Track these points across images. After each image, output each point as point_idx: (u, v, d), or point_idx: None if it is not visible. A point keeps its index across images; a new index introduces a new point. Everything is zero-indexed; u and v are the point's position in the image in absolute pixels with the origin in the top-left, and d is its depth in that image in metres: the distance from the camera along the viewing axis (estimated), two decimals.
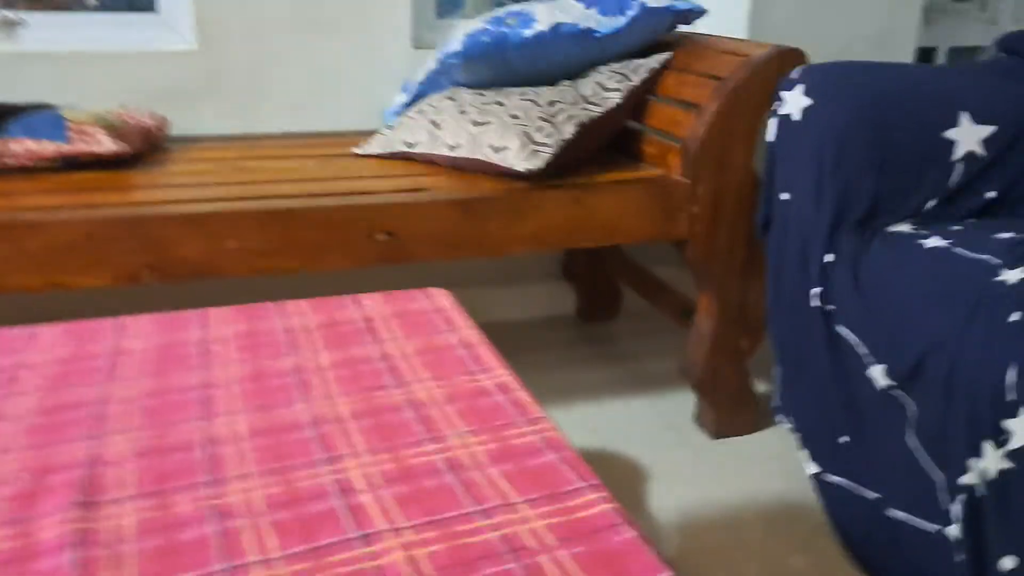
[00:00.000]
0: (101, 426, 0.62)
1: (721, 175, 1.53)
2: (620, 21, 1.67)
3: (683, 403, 1.79)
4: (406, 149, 1.64)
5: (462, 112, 1.59)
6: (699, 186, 1.52)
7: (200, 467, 0.58)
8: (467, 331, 0.83)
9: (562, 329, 2.20)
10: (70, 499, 0.54)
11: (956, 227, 1.36)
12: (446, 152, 1.57)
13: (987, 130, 1.41)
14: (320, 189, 1.42)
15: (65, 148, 1.47)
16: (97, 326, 0.81)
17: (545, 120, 1.51)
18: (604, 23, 1.67)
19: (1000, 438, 1.04)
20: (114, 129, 1.54)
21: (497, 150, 1.48)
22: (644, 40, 1.75)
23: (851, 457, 1.34)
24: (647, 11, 1.68)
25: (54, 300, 1.86)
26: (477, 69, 1.63)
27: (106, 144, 1.48)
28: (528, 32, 1.60)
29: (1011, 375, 1.03)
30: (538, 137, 1.47)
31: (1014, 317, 1.08)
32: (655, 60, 1.70)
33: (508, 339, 2.13)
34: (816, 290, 1.38)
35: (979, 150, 1.41)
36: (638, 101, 1.68)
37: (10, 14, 1.78)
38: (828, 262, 1.37)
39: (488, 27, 1.64)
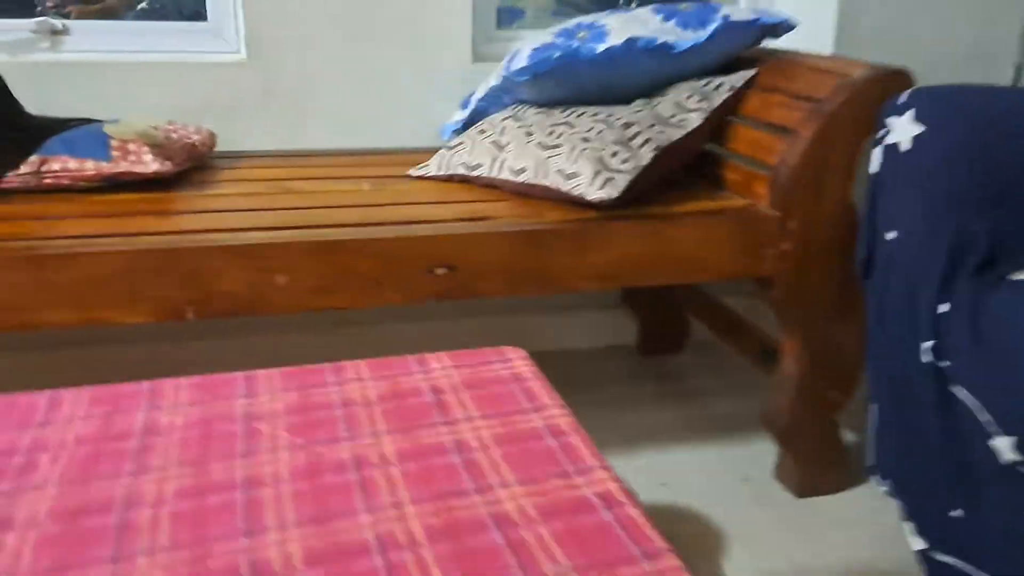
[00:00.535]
0: (127, 543, 0.51)
1: (814, 208, 1.38)
2: (701, 35, 1.53)
3: (760, 453, 1.65)
4: (466, 172, 1.52)
5: (528, 134, 1.46)
6: (790, 220, 1.37)
7: None
8: (554, 411, 0.71)
9: (623, 360, 2.07)
10: None
11: None
12: (510, 177, 1.44)
13: None
14: (376, 216, 1.30)
15: (106, 168, 1.37)
16: (128, 393, 0.70)
17: (620, 144, 1.37)
18: (683, 37, 1.54)
19: None
20: (158, 146, 1.45)
21: (567, 177, 1.35)
22: (726, 55, 1.60)
23: (965, 534, 1.18)
24: (731, 25, 1.54)
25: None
26: (545, 87, 1.51)
27: (150, 164, 1.39)
28: (600, 47, 1.47)
29: None
30: (612, 163, 1.34)
31: None
32: (739, 77, 1.56)
33: (566, 370, 2.00)
34: (927, 344, 1.23)
35: None
36: (719, 122, 1.54)
37: (55, 22, 1.70)
38: (942, 312, 1.22)
39: (557, 41, 1.51)
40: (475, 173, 1.51)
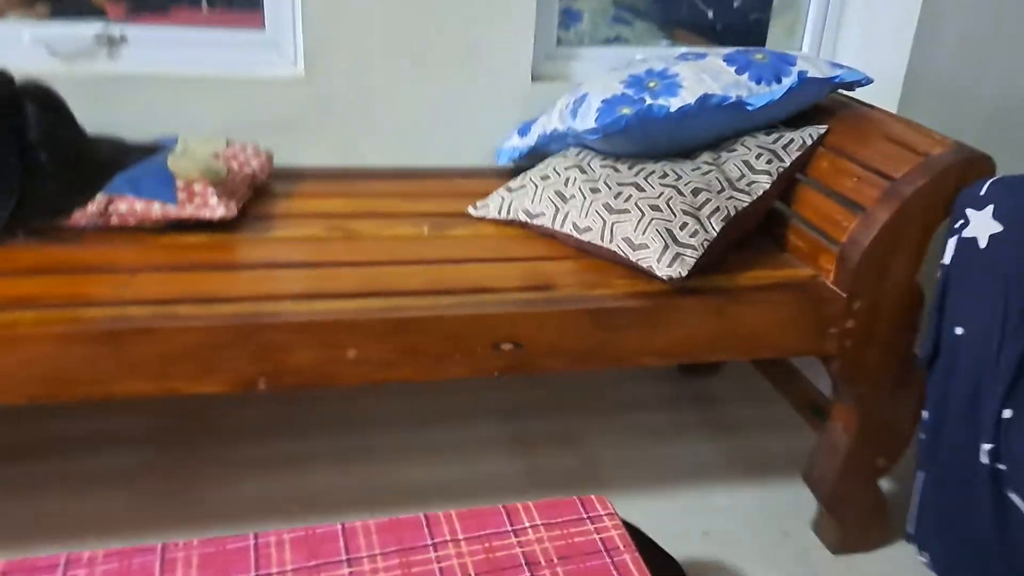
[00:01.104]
0: None
1: (880, 287, 1.37)
2: (775, 92, 1.49)
3: (797, 498, 1.66)
4: (526, 219, 1.51)
5: (594, 191, 1.44)
6: (856, 300, 1.36)
7: None
8: None
9: (662, 380, 2.08)
10: None
11: None
12: (572, 232, 1.43)
13: None
14: (441, 280, 1.30)
15: (173, 212, 1.37)
16: (234, 551, 0.72)
17: (689, 215, 1.36)
18: (756, 92, 1.50)
19: None
20: (221, 183, 1.44)
21: (635, 247, 1.34)
22: (798, 108, 1.57)
23: None
24: (807, 82, 1.50)
25: None
26: (615, 143, 1.48)
27: (215, 209, 1.38)
28: (673, 106, 1.43)
29: None
30: (681, 236, 1.32)
31: None
32: (808, 134, 1.52)
33: (605, 388, 2.02)
34: (987, 446, 1.24)
35: None
36: (787, 181, 1.51)
37: (113, 30, 1.67)
38: (1005, 418, 1.22)
39: (627, 93, 1.47)
40: (535, 221, 1.50)
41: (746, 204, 1.42)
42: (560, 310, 1.26)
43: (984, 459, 1.24)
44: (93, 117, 1.59)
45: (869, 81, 1.55)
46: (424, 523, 0.78)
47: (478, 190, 1.66)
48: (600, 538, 0.78)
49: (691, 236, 1.33)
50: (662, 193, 1.39)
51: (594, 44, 2.11)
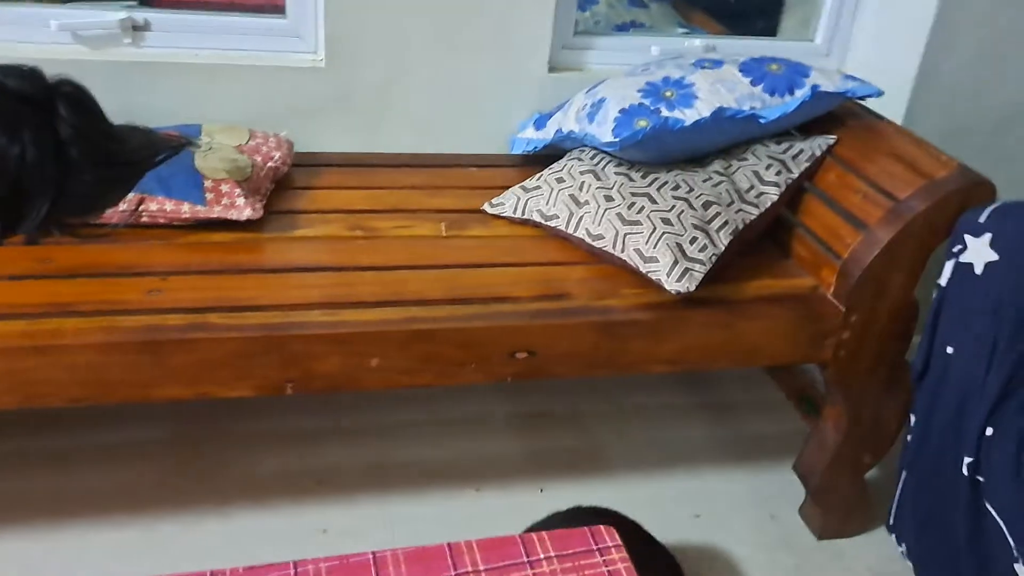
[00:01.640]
0: None
1: (877, 301, 1.43)
2: (788, 104, 1.53)
3: (785, 483, 1.75)
4: (541, 220, 1.56)
5: (608, 199, 1.49)
6: (853, 314, 1.43)
7: None
8: None
9: None
10: None
11: None
12: (586, 238, 1.49)
13: None
14: (459, 286, 1.36)
15: (201, 213, 1.42)
16: None
17: (699, 229, 1.41)
18: (769, 104, 1.54)
19: None
20: (247, 180, 1.49)
21: (646, 260, 1.40)
22: (809, 118, 1.61)
23: None
24: (819, 95, 1.54)
25: None
26: (630, 153, 1.52)
27: (243, 210, 1.43)
28: (689, 119, 1.47)
29: None
30: (691, 251, 1.38)
31: None
32: (818, 145, 1.57)
33: None
34: (968, 459, 1.32)
35: None
36: (797, 189, 1.56)
37: (136, 16, 1.69)
38: (987, 435, 1.30)
39: (644, 103, 1.51)
40: (550, 223, 1.55)
41: (754, 217, 1.47)
42: (572, 322, 1.32)
43: (965, 470, 1.32)
44: (118, 103, 1.59)
45: (880, 94, 1.58)
46: (448, 553, 0.86)
47: (494, 182, 1.71)
48: (608, 570, 0.87)
49: (700, 251, 1.39)
50: (674, 206, 1.44)
51: (610, 28, 2.13)
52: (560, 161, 1.66)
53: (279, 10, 1.76)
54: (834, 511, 1.65)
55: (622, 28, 2.13)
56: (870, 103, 1.66)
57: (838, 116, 1.63)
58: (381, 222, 1.55)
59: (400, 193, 1.66)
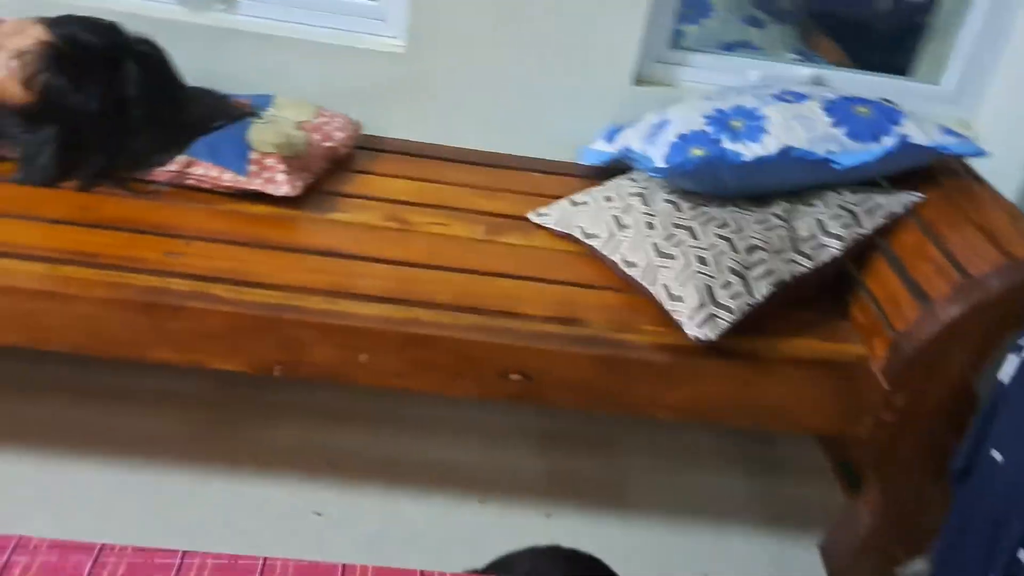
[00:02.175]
0: None
1: (929, 385, 1.28)
2: (870, 152, 1.38)
3: (812, 560, 1.60)
4: (582, 237, 1.49)
5: (650, 226, 1.41)
6: (899, 394, 1.28)
7: None
8: None
9: None
10: None
11: None
12: (620, 263, 1.41)
13: None
14: (471, 294, 1.32)
15: (241, 183, 1.45)
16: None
17: (736, 273, 1.30)
18: (849, 149, 1.40)
19: None
20: (296, 157, 1.50)
21: (672, 298, 1.30)
22: (895, 171, 1.45)
23: None
24: (907, 147, 1.39)
25: None
26: (681, 183, 1.42)
27: (280, 186, 1.45)
28: (748, 155, 1.36)
29: None
30: (721, 296, 1.28)
31: None
32: (900, 202, 1.41)
33: None
34: None
35: None
36: (866, 244, 1.41)
37: None
38: (1020, 559, 1.13)
39: (707, 131, 1.41)
40: (589, 242, 1.48)
41: (806, 270, 1.35)
42: (575, 351, 1.26)
43: None
44: (202, 66, 1.68)
45: (980, 154, 1.41)
46: (339, 573, 0.83)
47: (553, 191, 1.65)
48: None
49: (732, 298, 1.28)
50: (714, 245, 1.34)
51: (718, 44, 2.01)
52: (615, 179, 1.58)
53: None
54: None
55: (730, 47, 2.01)
56: (983, 165, 1.48)
57: (933, 173, 1.47)
58: (419, 216, 1.52)
59: (450, 189, 1.63)
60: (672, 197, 1.45)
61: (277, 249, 1.36)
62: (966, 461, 1.23)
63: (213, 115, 1.54)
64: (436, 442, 1.79)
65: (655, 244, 1.37)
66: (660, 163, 1.39)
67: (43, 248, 1.27)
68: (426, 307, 1.28)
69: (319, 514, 1.58)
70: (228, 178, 1.44)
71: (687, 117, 1.46)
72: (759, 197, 1.45)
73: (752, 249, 1.34)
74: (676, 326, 1.30)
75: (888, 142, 1.38)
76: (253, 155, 1.46)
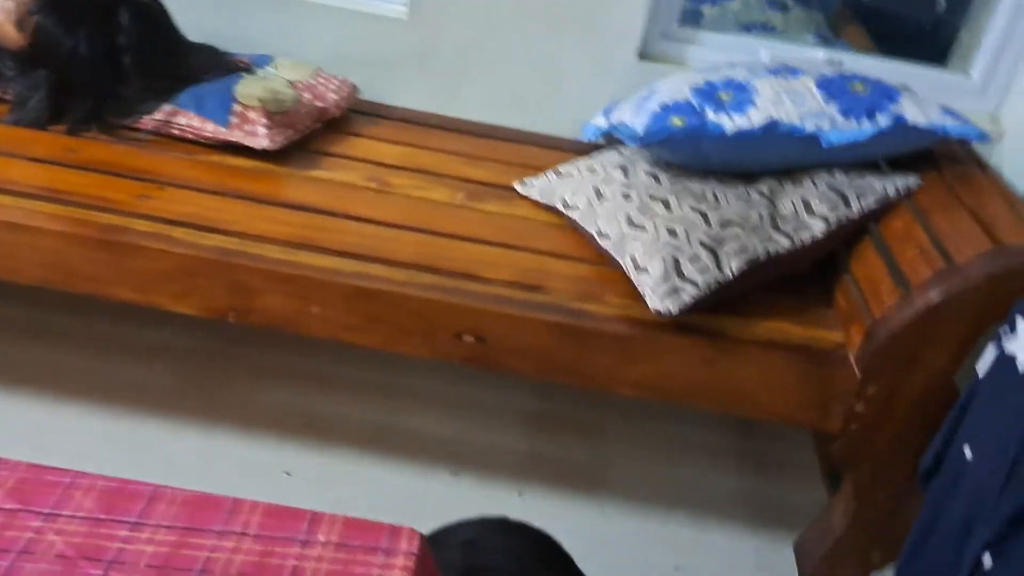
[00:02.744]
0: None
1: (905, 376, 1.20)
2: (861, 132, 1.31)
3: (791, 560, 1.54)
4: (562, 209, 1.46)
5: (626, 196, 1.36)
6: (872, 384, 1.21)
7: None
8: None
9: None
10: None
11: None
12: (595, 234, 1.37)
13: None
14: (434, 255, 1.30)
15: (221, 133, 1.45)
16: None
17: (707, 247, 1.25)
18: (840, 127, 1.33)
19: None
20: (282, 113, 1.50)
21: (638, 269, 1.26)
22: (894, 152, 1.38)
23: None
24: (903, 128, 1.31)
25: None
26: (660, 153, 1.38)
27: (260, 139, 1.45)
28: (730, 127, 1.30)
29: None
30: (688, 270, 1.23)
31: None
32: (894, 186, 1.34)
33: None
34: None
35: None
36: (855, 230, 1.35)
37: None
38: (986, 568, 1.05)
39: (692, 102, 1.35)
40: (569, 213, 1.44)
41: (782, 250, 1.28)
42: (531, 316, 1.22)
43: None
44: (208, 25, 1.70)
45: (982, 138, 1.32)
46: (228, 507, 0.81)
47: (547, 163, 1.62)
48: (377, 573, 0.78)
49: (699, 272, 1.23)
50: (687, 217, 1.29)
51: (737, 26, 1.95)
52: (604, 151, 1.53)
53: None
54: None
55: (748, 28, 1.94)
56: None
57: (936, 157, 1.39)
58: (401, 179, 1.51)
59: (439, 156, 1.62)
60: (654, 170, 1.40)
61: (247, 200, 1.37)
62: (935, 458, 1.16)
63: (206, 68, 1.55)
64: (422, 414, 1.77)
65: (628, 215, 1.32)
66: (639, 132, 1.34)
67: (16, 183, 1.29)
68: (383, 263, 1.26)
69: (288, 474, 1.58)
70: (210, 128, 1.45)
71: (674, 88, 1.41)
72: (748, 174, 1.40)
73: (726, 224, 1.28)
74: (642, 298, 1.26)
75: (882, 121, 1.31)
76: (237, 107, 1.46)
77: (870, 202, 1.32)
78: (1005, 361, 1.08)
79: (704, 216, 1.28)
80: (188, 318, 1.84)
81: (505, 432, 1.78)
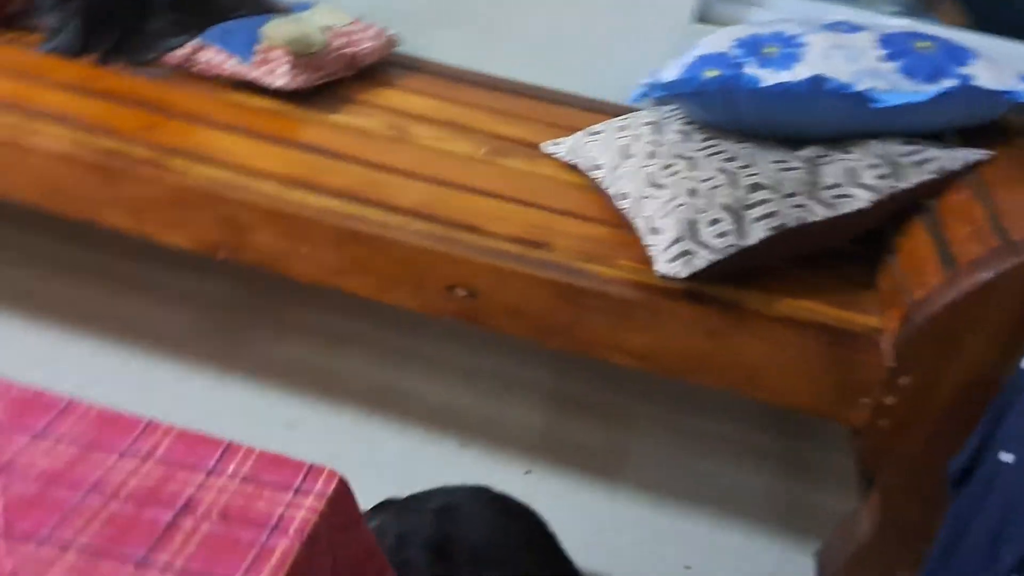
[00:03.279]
0: None
1: (944, 366, 1.06)
2: (920, 94, 1.17)
3: (802, 559, 1.40)
4: (587, 169, 1.36)
5: (651, 155, 1.25)
6: (905, 374, 1.07)
7: None
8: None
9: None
10: None
11: None
12: (614, 196, 1.27)
13: None
14: (438, 204, 1.23)
15: (241, 71, 1.42)
16: None
17: (730, 210, 1.13)
18: (899, 87, 1.18)
19: None
20: (307, 56, 1.46)
21: (651, 230, 1.15)
22: (962, 122, 1.22)
23: None
24: (969, 92, 1.16)
25: None
26: (692, 109, 1.26)
27: (277, 79, 1.41)
28: (767, 80, 1.17)
29: None
30: (704, 233, 1.11)
31: None
32: (958, 158, 1.18)
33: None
34: None
35: None
36: (907, 204, 1.20)
37: None
38: None
39: (731, 54, 1.23)
40: (592, 174, 1.35)
41: (817, 219, 1.15)
42: (527, 271, 1.13)
43: None
44: None
45: None
46: (141, 429, 0.76)
47: (584, 126, 1.52)
48: (282, 513, 0.71)
49: (717, 236, 1.11)
50: (712, 177, 1.17)
51: None
52: (638, 112, 1.43)
53: None
54: None
55: None
56: None
57: (1013, 130, 1.22)
58: (422, 130, 1.44)
59: (468, 111, 1.54)
60: (687, 128, 1.29)
61: (256, 137, 1.33)
62: (967, 462, 1.01)
63: (237, 6, 1.52)
64: (438, 381, 1.71)
65: (650, 174, 1.22)
66: (668, 82, 1.23)
67: (32, 105, 1.29)
68: (380, 207, 1.20)
69: (292, 425, 1.54)
70: (232, 64, 1.42)
71: (717, 41, 1.29)
72: (790, 140, 1.26)
73: (756, 187, 1.15)
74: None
75: (946, 83, 1.16)
76: (261, 46, 1.43)
77: (925, 175, 1.17)
78: None
79: (732, 177, 1.16)
80: (220, 267, 1.84)
81: (521, 407, 1.69)
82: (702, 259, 1.09)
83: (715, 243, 1.10)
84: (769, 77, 1.19)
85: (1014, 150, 1.19)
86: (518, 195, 1.30)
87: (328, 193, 1.21)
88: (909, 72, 1.18)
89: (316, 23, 1.55)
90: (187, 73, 1.46)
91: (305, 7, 1.63)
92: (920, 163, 1.19)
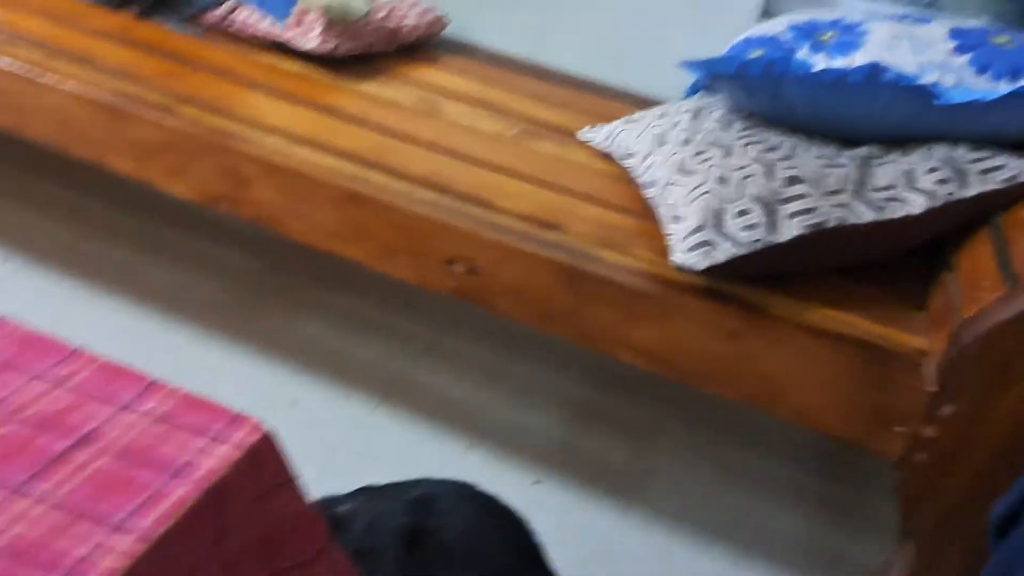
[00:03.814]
0: None
1: (997, 395, 0.91)
2: (992, 91, 1.03)
3: None
4: (620, 156, 1.27)
5: (685, 142, 1.15)
6: (948, 403, 0.93)
7: None
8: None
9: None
10: None
11: None
12: (643, 184, 1.17)
13: None
14: (448, 176, 1.15)
15: (273, 32, 1.39)
16: None
17: (762, 202, 1.01)
18: (970, 84, 1.05)
19: None
20: (343, 22, 1.41)
21: (674, 218, 1.05)
22: None
23: None
24: None
25: None
26: (734, 95, 1.15)
27: (308, 42, 1.37)
28: (818, 65, 1.06)
29: None
30: (730, 224, 1.00)
31: None
32: None
33: (731, 407, 1.68)
34: None
35: None
36: (970, 216, 1.06)
37: None
38: None
39: (783, 38, 1.13)
40: (624, 163, 1.25)
41: (862, 222, 1.02)
42: (530, 250, 1.04)
43: None
44: None
45: None
46: (62, 354, 0.70)
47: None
48: (189, 460, 0.63)
49: (743, 229, 1.00)
50: (747, 166, 1.06)
51: None
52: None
53: None
54: None
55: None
56: None
57: None
58: (454, 107, 1.38)
59: (508, 95, 1.47)
60: (728, 116, 1.18)
61: (275, 96, 1.29)
62: (1008, 510, 0.86)
63: None
64: (455, 376, 1.62)
65: (680, 160, 1.11)
66: (705, 59, 1.13)
67: (58, 46, 1.28)
68: (387, 173, 1.13)
69: (295, 403, 1.48)
70: (266, 24, 1.39)
71: (772, 25, 1.18)
72: (845, 137, 1.14)
73: (793, 181, 1.04)
74: None
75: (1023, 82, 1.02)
76: (298, 7, 1.39)
77: (992, 184, 1.03)
78: None
79: (769, 167, 1.05)
80: (253, 242, 1.81)
81: (542, 415, 1.58)
82: (723, 252, 0.98)
83: (740, 236, 0.99)
84: (821, 63, 1.07)
85: None
86: (539, 176, 1.21)
87: (334, 153, 1.15)
88: (982, 67, 1.05)
89: None
90: (224, 32, 1.43)
91: None
92: (987, 171, 1.05)
